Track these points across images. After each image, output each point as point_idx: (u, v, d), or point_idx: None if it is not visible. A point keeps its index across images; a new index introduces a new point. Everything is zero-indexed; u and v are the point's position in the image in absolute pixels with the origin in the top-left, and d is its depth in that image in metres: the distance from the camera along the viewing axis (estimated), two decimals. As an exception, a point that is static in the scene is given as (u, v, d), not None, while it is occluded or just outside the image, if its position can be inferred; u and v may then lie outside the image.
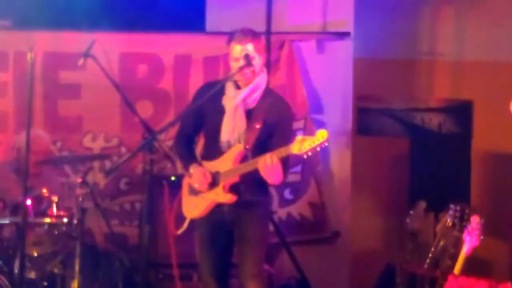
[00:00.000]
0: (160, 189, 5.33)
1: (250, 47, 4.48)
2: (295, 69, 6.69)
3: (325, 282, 6.39)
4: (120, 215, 6.51)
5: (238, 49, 4.50)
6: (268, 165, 4.26)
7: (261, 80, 4.57)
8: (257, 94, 4.55)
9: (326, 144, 4.19)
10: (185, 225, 4.66)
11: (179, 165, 6.51)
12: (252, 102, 4.54)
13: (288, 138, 4.48)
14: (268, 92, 4.62)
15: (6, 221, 5.09)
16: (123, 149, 6.60)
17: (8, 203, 5.21)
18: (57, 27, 6.57)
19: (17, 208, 5.10)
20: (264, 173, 4.32)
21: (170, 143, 6.01)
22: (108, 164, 6.50)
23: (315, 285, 6.31)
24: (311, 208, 6.68)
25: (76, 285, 5.07)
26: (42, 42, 6.39)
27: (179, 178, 5.89)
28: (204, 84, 4.84)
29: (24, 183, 4.78)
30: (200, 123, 4.66)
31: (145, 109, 6.40)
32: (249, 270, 4.47)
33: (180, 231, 4.68)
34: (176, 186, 5.49)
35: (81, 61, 5.37)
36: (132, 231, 6.33)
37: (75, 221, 5.20)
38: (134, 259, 5.60)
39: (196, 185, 4.55)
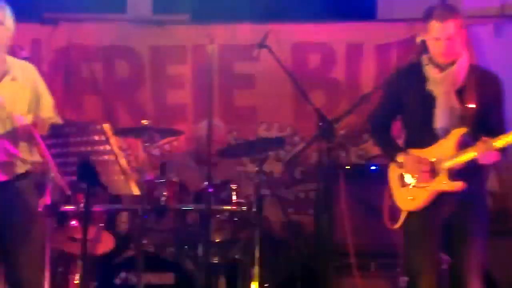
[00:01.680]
0: (335, 178, 5.32)
1: (451, 25, 4.11)
2: (471, 53, 6.49)
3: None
4: (295, 203, 6.60)
5: (438, 28, 4.13)
6: (488, 152, 3.99)
7: (465, 57, 4.23)
8: (464, 72, 4.20)
9: None
10: (402, 218, 4.28)
11: (352, 154, 6.58)
12: (460, 82, 4.20)
13: (504, 114, 4.20)
14: (473, 68, 4.28)
15: (190, 208, 5.28)
16: (297, 138, 6.68)
17: (191, 191, 5.40)
18: (232, 19, 6.73)
19: (199, 196, 5.29)
20: (482, 159, 4.04)
21: (342, 132, 6.05)
22: (282, 153, 6.61)
23: (500, 281, 6.04)
24: (491, 197, 6.46)
25: (257, 272, 5.16)
26: (218, 35, 6.56)
27: (354, 167, 5.92)
28: (395, 71, 4.53)
29: (208, 172, 4.93)
30: (397, 112, 4.39)
31: (317, 98, 6.40)
32: (474, 266, 4.13)
33: (397, 226, 4.31)
34: (351, 175, 5.51)
35: (256, 52, 5.46)
36: (307, 220, 6.40)
37: (254, 209, 5.30)
38: (311, 248, 5.65)
39: (415, 175, 4.23)
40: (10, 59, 3.99)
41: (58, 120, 4.11)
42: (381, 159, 4.97)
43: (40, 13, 6.68)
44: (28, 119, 3.94)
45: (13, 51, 5.66)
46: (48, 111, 4.06)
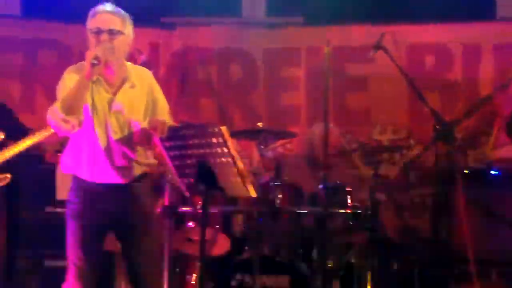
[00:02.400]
0: (454, 182, 5.17)
1: None
2: None
3: None
4: (411, 207, 6.47)
5: None
6: None
7: None
8: None
9: None
10: None
11: (470, 158, 6.39)
12: None
13: None
14: None
15: (305, 211, 5.25)
16: (412, 141, 6.53)
17: (305, 193, 5.37)
18: (346, 21, 6.66)
19: (314, 199, 5.25)
20: None
21: (460, 135, 5.88)
22: (397, 157, 6.48)
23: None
24: None
25: (370, 276, 5.09)
26: (331, 36, 6.51)
27: (473, 171, 5.74)
28: None
29: (323, 174, 4.89)
30: None
31: (433, 100, 6.26)
32: None
33: None
34: (470, 180, 5.34)
35: (372, 54, 5.38)
36: (423, 224, 6.26)
37: (369, 213, 5.22)
38: (428, 254, 5.51)
39: None
40: (129, 66, 4.07)
41: (172, 123, 4.16)
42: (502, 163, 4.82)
43: (158, 17, 6.82)
44: (145, 124, 4.01)
45: (133, 55, 5.83)
46: (163, 115, 4.11)
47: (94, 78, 3.82)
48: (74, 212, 3.99)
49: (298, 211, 5.23)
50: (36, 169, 5.91)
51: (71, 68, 3.95)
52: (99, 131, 3.93)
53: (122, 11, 3.99)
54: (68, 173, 4.04)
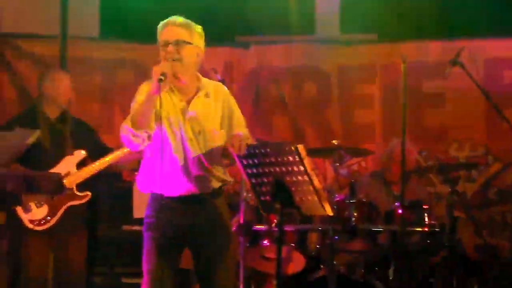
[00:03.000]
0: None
1: None
2: None
3: None
4: (490, 225, 6.34)
5: None
6: None
7: None
8: None
9: None
10: None
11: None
12: None
13: None
14: None
15: (381, 229, 5.19)
16: (490, 158, 6.41)
17: (380, 211, 5.31)
18: (421, 37, 6.60)
19: (390, 216, 5.19)
20: None
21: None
22: (475, 173, 6.37)
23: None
24: None
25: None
26: (406, 52, 6.46)
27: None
28: None
29: (400, 192, 4.83)
30: None
31: (512, 116, 6.16)
32: None
33: None
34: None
35: (448, 69, 5.30)
36: (504, 243, 6.12)
37: (447, 231, 5.13)
38: (509, 274, 5.38)
39: None
40: (204, 79, 4.08)
41: (251, 138, 4.16)
42: None
43: (233, 36, 6.89)
44: (221, 135, 4.00)
45: (208, 74, 5.89)
46: (240, 127, 4.12)
47: (165, 90, 3.85)
48: (150, 225, 4.00)
49: (373, 229, 5.18)
50: (114, 187, 6.02)
51: (144, 83, 4.00)
52: (173, 142, 3.92)
53: (191, 23, 3.97)
54: (145, 192, 4.06)
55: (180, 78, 3.92)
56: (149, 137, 3.81)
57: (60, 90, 5.28)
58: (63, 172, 4.98)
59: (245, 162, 3.90)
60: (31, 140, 4.31)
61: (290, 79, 6.87)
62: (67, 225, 5.06)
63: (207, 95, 4.01)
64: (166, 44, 3.90)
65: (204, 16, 6.33)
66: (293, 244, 5.22)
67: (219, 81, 5.33)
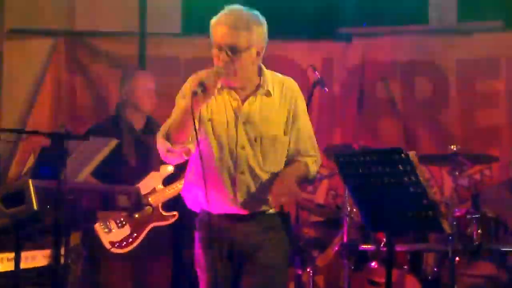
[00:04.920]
0: None
1: None
2: None
3: None
4: None
5: None
6: None
7: None
8: None
9: None
10: None
11: None
12: None
13: None
14: None
15: (510, 249, 5.07)
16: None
17: (510, 228, 5.20)
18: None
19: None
20: None
21: None
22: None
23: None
24: None
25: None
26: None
27: None
28: None
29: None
30: None
31: None
32: None
33: None
34: None
35: None
36: None
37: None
38: None
39: None
40: (267, 72, 3.89)
41: (316, 162, 3.96)
42: None
43: (331, 29, 6.85)
44: (285, 141, 3.89)
45: (306, 72, 5.86)
46: (304, 141, 3.86)
47: (203, 104, 3.63)
48: (200, 245, 3.85)
49: (502, 249, 5.12)
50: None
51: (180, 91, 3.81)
52: (219, 152, 3.74)
53: (249, 19, 3.71)
54: (193, 209, 3.91)
55: (231, 83, 3.77)
56: (187, 152, 3.70)
57: (144, 94, 5.33)
58: (148, 189, 5.03)
59: (345, 173, 3.86)
60: (106, 150, 4.32)
61: (399, 76, 6.77)
62: (151, 249, 5.10)
63: (267, 94, 3.81)
64: (220, 48, 3.68)
65: (298, 6, 6.35)
66: (405, 267, 5.19)
67: (318, 79, 5.32)
